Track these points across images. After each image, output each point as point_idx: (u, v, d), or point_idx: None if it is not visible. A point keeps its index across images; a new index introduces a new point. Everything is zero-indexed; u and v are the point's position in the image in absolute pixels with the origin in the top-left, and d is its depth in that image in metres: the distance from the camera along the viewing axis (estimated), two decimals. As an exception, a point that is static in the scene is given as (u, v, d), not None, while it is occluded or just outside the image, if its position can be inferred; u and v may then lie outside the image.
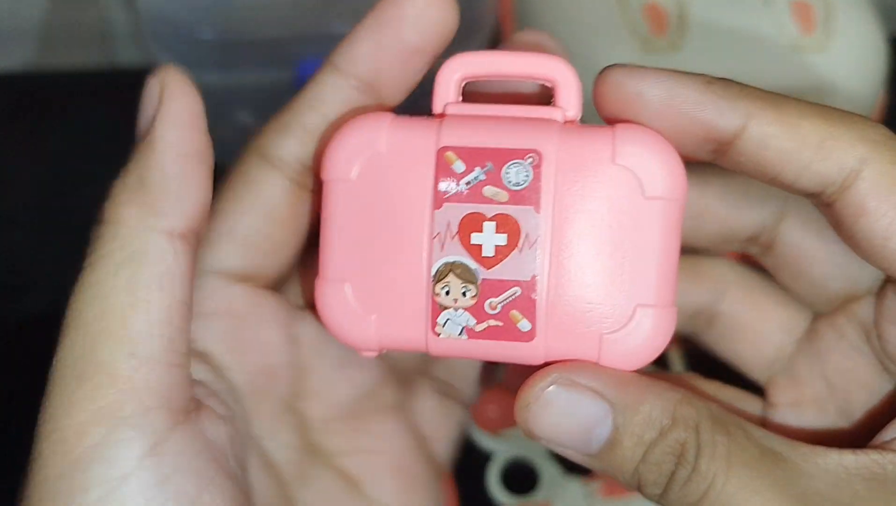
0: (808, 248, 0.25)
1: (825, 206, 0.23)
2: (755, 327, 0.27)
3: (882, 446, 0.22)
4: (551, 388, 0.22)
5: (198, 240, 0.24)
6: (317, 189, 0.25)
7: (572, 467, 0.55)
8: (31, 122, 0.69)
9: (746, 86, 0.23)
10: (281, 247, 0.27)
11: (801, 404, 0.26)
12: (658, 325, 0.22)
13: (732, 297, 0.27)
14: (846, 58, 0.52)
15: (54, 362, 0.23)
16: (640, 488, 0.23)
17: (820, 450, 0.22)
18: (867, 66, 0.53)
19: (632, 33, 0.51)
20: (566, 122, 0.23)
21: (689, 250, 0.25)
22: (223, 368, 0.26)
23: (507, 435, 0.55)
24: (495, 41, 0.63)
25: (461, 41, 0.57)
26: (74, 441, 0.22)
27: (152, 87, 0.24)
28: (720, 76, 0.23)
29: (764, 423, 0.27)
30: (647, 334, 0.22)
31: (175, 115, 0.23)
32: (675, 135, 0.22)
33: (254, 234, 0.26)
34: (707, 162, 0.24)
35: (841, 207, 0.22)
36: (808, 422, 0.26)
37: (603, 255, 0.22)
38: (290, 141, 0.26)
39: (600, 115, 0.24)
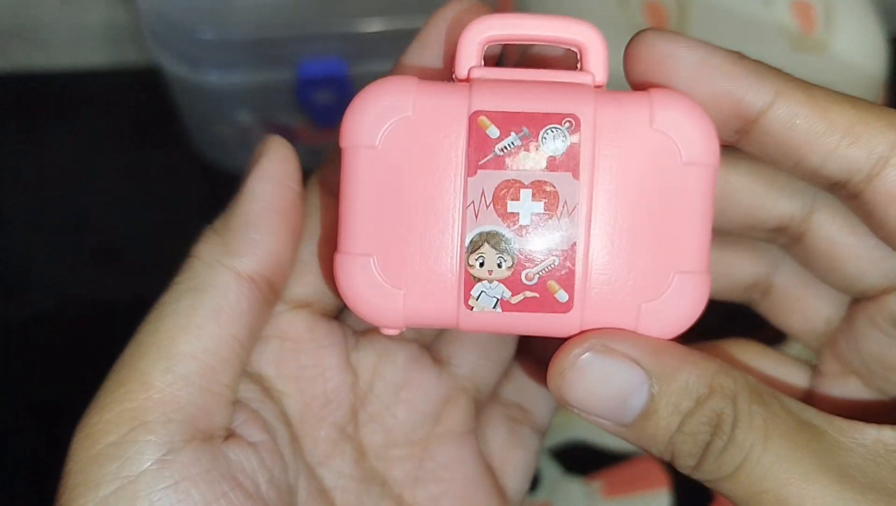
0: (841, 243, 0.25)
1: (851, 197, 0.22)
2: (806, 301, 0.27)
3: None
4: (587, 355, 0.21)
5: (271, 289, 0.25)
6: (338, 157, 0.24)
7: (573, 468, 0.55)
8: (33, 122, 0.69)
9: (776, 68, 0.22)
10: None
11: (845, 377, 0.26)
12: (696, 291, 0.22)
13: (786, 270, 0.27)
14: (846, 57, 0.52)
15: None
16: (673, 460, 0.22)
17: (858, 425, 0.22)
18: (867, 66, 0.53)
19: (632, 32, 0.51)
20: (596, 86, 0.22)
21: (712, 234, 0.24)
22: (276, 392, 0.26)
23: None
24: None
25: None
26: (97, 438, 0.23)
27: (257, 148, 0.25)
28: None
29: (809, 392, 0.27)
30: (685, 302, 0.22)
31: (267, 172, 0.24)
32: (704, 105, 0.22)
33: (313, 260, 0.26)
34: (734, 146, 0.23)
35: (870, 196, 0.21)
36: (852, 394, 0.26)
37: (641, 222, 0.21)
38: None
39: (629, 79, 0.23)
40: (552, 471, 0.54)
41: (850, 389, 0.26)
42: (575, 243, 0.21)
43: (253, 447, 0.24)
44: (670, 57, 0.22)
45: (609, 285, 0.21)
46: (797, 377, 0.27)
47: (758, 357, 0.27)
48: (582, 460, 0.55)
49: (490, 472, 0.29)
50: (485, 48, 0.23)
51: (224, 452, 0.24)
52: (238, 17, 0.54)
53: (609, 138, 0.21)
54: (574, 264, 0.21)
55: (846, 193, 0.22)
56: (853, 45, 0.53)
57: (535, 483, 0.54)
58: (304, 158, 0.70)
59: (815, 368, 0.27)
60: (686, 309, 0.22)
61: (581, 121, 0.21)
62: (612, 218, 0.21)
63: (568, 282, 0.21)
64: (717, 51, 0.22)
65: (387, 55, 0.56)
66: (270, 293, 0.25)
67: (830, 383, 0.26)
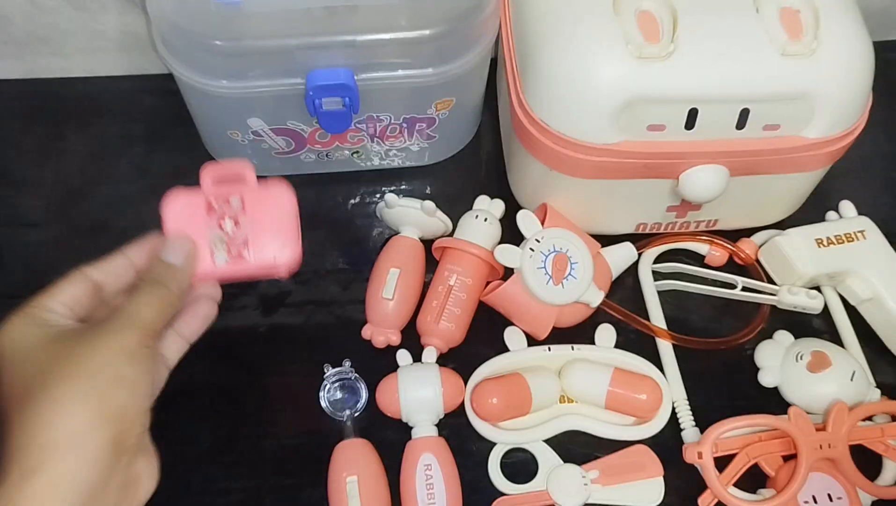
0: None
1: None
2: None
3: None
4: None
5: None
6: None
7: (570, 456, 0.56)
8: (51, 127, 0.71)
9: None
10: None
11: None
12: None
13: None
14: (834, 63, 0.53)
15: None
16: None
17: None
18: (854, 71, 0.54)
19: (627, 41, 0.52)
20: None
21: None
22: None
23: (507, 426, 0.57)
24: (497, 43, 0.65)
25: (470, 46, 0.58)
26: None
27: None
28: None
29: None
30: None
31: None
32: None
33: None
34: None
35: None
36: None
37: None
38: None
39: None
40: (550, 459, 0.56)
41: None
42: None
43: None
44: None
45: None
46: None
47: None
48: (579, 449, 0.57)
49: None
50: None
51: None
52: (248, 27, 0.56)
53: None
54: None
55: None
56: (840, 51, 0.54)
57: (533, 471, 0.56)
58: (314, 163, 0.71)
59: None
60: None
61: None
62: None
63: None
64: None
65: (392, 65, 0.58)
66: None
67: None
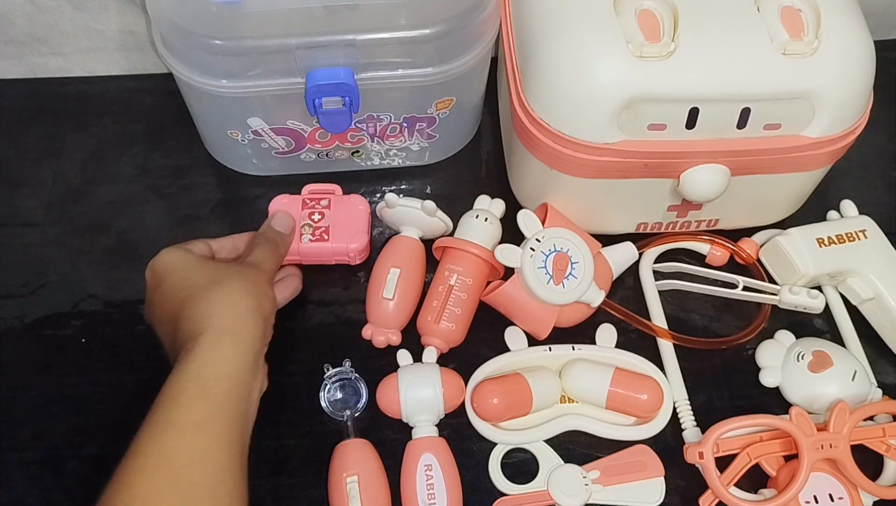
0: None
1: None
2: None
3: None
4: None
5: None
6: None
7: (571, 456, 0.56)
8: (51, 127, 0.71)
9: None
10: None
11: None
12: None
13: None
14: (835, 62, 0.53)
15: None
16: None
17: None
18: (855, 70, 0.54)
19: (627, 40, 0.52)
20: None
21: None
22: None
23: (507, 426, 0.57)
24: (498, 42, 0.65)
25: (470, 45, 0.58)
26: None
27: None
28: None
29: None
30: None
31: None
32: None
33: None
34: None
35: None
36: None
37: None
38: None
39: None
40: (551, 459, 0.56)
41: None
42: None
43: None
44: None
45: None
46: None
47: None
48: (580, 449, 0.57)
49: None
50: None
51: None
52: (248, 27, 0.56)
53: None
54: None
55: None
56: (841, 50, 0.54)
57: (534, 471, 0.56)
58: (314, 162, 0.71)
59: None
60: None
61: None
62: None
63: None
64: None
65: (392, 64, 0.58)
66: None
67: None
